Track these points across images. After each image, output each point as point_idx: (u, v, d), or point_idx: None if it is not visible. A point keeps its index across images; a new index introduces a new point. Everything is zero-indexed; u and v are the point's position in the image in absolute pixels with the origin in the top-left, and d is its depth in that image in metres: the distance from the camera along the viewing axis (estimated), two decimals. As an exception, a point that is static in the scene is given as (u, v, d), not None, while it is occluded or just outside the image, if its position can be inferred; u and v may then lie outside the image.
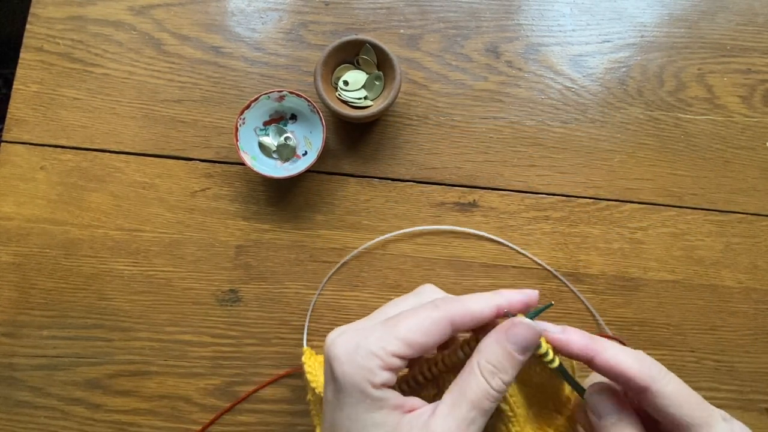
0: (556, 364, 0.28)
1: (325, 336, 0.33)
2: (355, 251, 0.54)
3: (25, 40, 0.56)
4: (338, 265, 0.54)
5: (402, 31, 0.57)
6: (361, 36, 0.52)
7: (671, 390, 0.26)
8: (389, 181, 0.55)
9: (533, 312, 0.30)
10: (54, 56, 0.56)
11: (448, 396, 0.27)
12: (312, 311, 0.53)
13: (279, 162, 0.54)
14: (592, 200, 0.55)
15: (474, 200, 0.55)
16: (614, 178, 0.56)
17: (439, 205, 0.55)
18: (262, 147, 0.54)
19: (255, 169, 0.51)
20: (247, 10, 0.57)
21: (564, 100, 0.56)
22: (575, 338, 0.28)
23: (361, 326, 0.28)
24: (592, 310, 0.54)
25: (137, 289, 0.53)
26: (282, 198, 0.55)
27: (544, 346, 0.28)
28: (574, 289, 0.54)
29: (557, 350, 0.28)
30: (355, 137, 0.56)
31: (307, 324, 0.53)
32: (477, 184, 0.55)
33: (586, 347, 0.27)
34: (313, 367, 0.42)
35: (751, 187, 0.56)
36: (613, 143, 0.56)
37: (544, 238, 0.55)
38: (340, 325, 0.30)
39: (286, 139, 0.54)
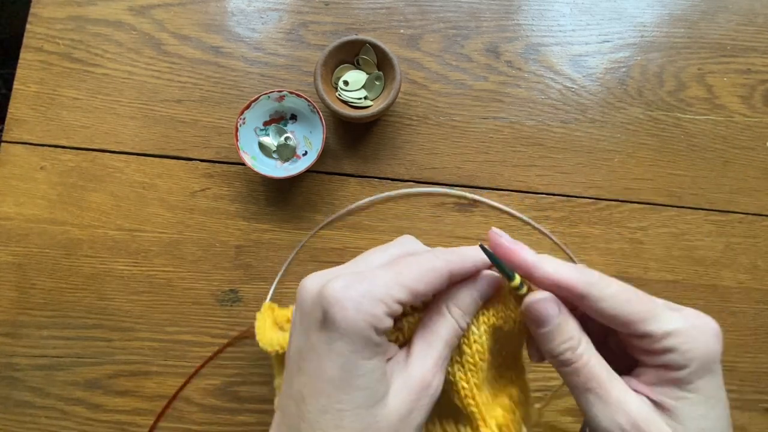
0: (523, 291, 0.29)
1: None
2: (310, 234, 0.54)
3: (25, 40, 0.56)
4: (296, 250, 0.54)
5: (402, 31, 0.57)
6: (361, 36, 0.52)
7: (611, 291, 0.26)
8: (389, 181, 0.55)
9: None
10: (54, 56, 0.56)
11: (420, 339, 0.28)
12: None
13: (279, 162, 0.54)
14: (592, 200, 0.55)
15: (474, 200, 0.55)
16: (614, 178, 0.56)
17: (439, 205, 0.55)
18: (262, 147, 0.54)
19: (255, 169, 0.51)
20: (247, 10, 0.57)
21: (564, 100, 0.56)
22: (521, 255, 0.28)
23: (354, 271, 0.27)
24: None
25: (137, 289, 0.53)
26: (282, 198, 0.55)
27: (517, 280, 0.29)
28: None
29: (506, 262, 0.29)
30: (355, 137, 0.56)
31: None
32: (477, 184, 0.55)
33: (526, 261, 0.28)
34: (266, 326, 0.43)
35: (751, 187, 0.56)
36: (613, 143, 0.56)
37: (544, 238, 0.55)
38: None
39: (286, 139, 0.54)
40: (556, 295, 0.28)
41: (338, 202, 0.55)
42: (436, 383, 0.27)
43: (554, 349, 0.27)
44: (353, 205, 0.54)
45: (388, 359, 0.28)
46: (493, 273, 0.30)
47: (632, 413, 0.25)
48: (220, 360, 0.53)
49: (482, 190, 0.55)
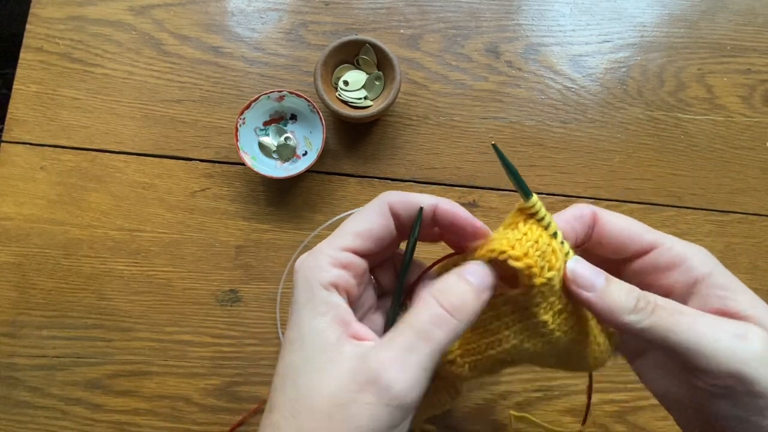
0: (541, 212, 0.26)
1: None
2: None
3: (25, 40, 0.56)
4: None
5: (402, 31, 0.57)
6: (361, 36, 0.52)
7: (617, 218, 0.28)
8: (389, 181, 0.55)
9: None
10: (54, 56, 0.56)
11: (403, 320, 0.25)
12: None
13: (279, 162, 0.54)
14: (592, 200, 0.55)
15: (474, 200, 0.55)
16: (614, 178, 0.56)
17: (439, 205, 0.55)
18: (262, 147, 0.54)
19: (255, 169, 0.51)
20: (247, 10, 0.57)
21: (564, 100, 0.56)
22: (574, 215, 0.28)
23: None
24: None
25: (137, 289, 0.53)
26: (282, 198, 0.55)
27: (534, 199, 0.26)
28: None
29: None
30: (355, 137, 0.56)
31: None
32: (477, 184, 0.55)
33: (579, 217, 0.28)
34: None
35: (751, 187, 0.56)
36: (613, 143, 0.56)
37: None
38: None
39: (286, 139, 0.54)
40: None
41: (338, 202, 0.55)
42: (401, 392, 0.23)
43: (625, 302, 0.25)
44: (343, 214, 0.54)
45: (353, 336, 0.25)
46: (481, 262, 0.26)
47: (745, 330, 0.24)
48: (220, 360, 0.53)
49: (482, 190, 0.55)
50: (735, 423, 0.24)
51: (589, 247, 0.29)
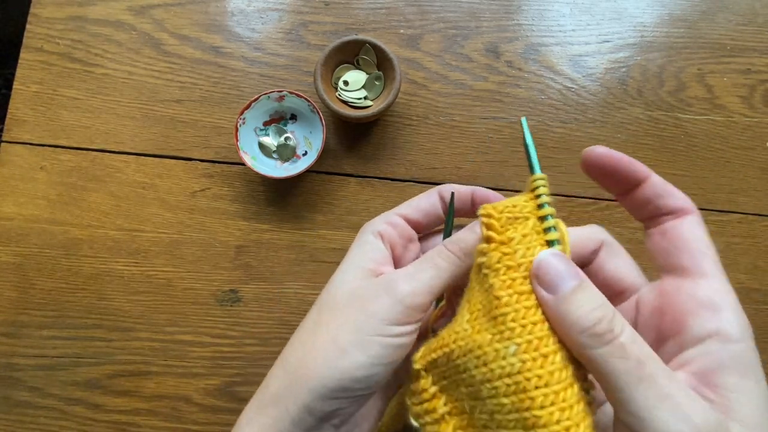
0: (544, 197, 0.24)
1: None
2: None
3: (25, 40, 0.56)
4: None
5: (402, 31, 0.57)
6: (361, 36, 0.52)
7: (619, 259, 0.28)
8: (389, 181, 0.55)
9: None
10: (54, 56, 0.56)
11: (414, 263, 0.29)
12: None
13: (279, 162, 0.54)
14: (592, 200, 0.55)
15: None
16: (614, 178, 0.56)
17: (439, 205, 0.55)
18: (262, 147, 0.54)
19: (255, 169, 0.51)
20: (247, 10, 0.57)
21: (564, 100, 0.56)
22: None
23: None
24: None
25: (137, 289, 0.53)
26: (282, 198, 0.55)
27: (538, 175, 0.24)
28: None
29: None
30: (355, 137, 0.56)
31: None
32: (477, 184, 0.55)
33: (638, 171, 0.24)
34: None
35: (751, 187, 0.56)
36: (613, 143, 0.56)
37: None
38: None
39: (286, 139, 0.54)
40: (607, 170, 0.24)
41: (338, 202, 0.55)
42: (401, 285, 0.27)
43: (583, 317, 0.20)
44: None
45: (383, 272, 0.30)
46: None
47: (698, 422, 0.19)
48: (220, 360, 0.53)
49: (482, 190, 0.55)
50: None
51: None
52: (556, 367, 0.21)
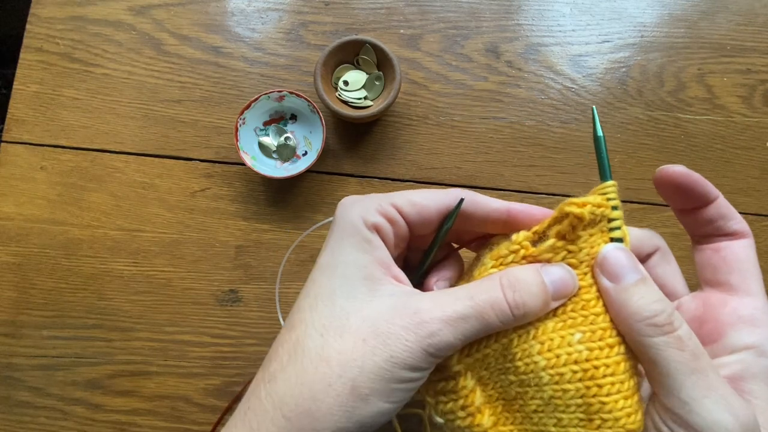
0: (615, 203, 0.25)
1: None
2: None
3: (25, 40, 0.56)
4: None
5: (402, 31, 0.57)
6: (361, 36, 0.52)
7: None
8: (389, 181, 0.55)
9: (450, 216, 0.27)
10: (54, 56, 0.56)
11: (454, 291, 0.25)
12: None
13: (279, 162, 0.54)
14: (592, 200, 0.55)
15: (474, 200, 0.55)
16: (614, 178, 0.56)
17: (439, 205, 0.55)
18: (262, 147, 0.54)
19: (255, 169, 0.51)
20: (247, 10, 0.57)
21: (564, 100, 0.56)
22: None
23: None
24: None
25: (137, 289, 0.53)
26: (282, 198, 0.55)
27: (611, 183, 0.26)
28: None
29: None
30: (355, 137, 0.56)
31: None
32: (477, 184, 0.55)
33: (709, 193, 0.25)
34: None
35: (751, 187, 0.56)
36: (613, 143, 0.56)
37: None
38: None
39: (286, 139, 0.54)
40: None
41: (338, 202, 0.55)
42: (437, 332, 0.23)
43: (645, 308, 0.22)
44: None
45: (393, 277, 0.26)
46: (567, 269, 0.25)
47: (741, 415, 0.21)
48: (220, 360, 0.53)
49: (482, 190, 0.55)
50: None
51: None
52: (621, 357, 0.23)
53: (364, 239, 0.25)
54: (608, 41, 0.57)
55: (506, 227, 0.27)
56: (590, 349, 0.23)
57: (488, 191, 0.55)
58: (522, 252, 0.25)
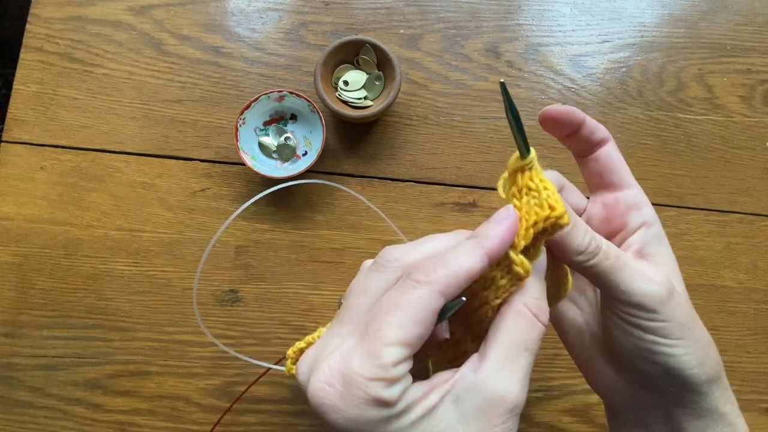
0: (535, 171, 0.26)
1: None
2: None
3: (25, 40, 0.56)
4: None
5: (402, 31, 0.57)
6: (361, 36, 0.52)
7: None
8: (389, 181, 0.55)
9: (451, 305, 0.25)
10: (54, 56, 0.56)
11: (493, 350, 0.23)
12: (312, 311, 0.53)
13: (279, 162, 0.54)
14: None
15: (474, 200, 0.55)
16: (614, 178, 0.56)
17: (439, 205, 0.55)
18: (262, 147, 0.54)
19: (255, 169, 0.51)
20: (247, 10, 0.57)
21: (564, 100, 0.56)
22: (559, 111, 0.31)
23: (331, 346, 0.23)
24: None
25: (137, 289, 0.53)
26: (282, 198, 0.55)
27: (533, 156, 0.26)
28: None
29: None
30: (355, 137, 0.56)
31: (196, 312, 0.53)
32: (477, 184, 0.55)
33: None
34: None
35: (751, 187, 0.56)
36: (613, 143, 0.56)
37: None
38: None
39: (286, 139, 0.54)
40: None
41: (338, 202, 0.55)
42: (522, 402, 0.23)
43: (580, 245, 0.27)
44: (253, 199, 0.54)
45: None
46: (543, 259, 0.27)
47: (659, 280, 0.27)
48: (220, 360, 0.53)
49: (482, 190, 0.55)
50: (630, 344, 0.28)
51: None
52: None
53: (398, 414, 0.22)
54: (608, 41, 0.57)
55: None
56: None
57: (488, 191, 0.55)
58: None
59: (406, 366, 0.22)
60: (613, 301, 0.28)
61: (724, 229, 0.56)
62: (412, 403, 0.22)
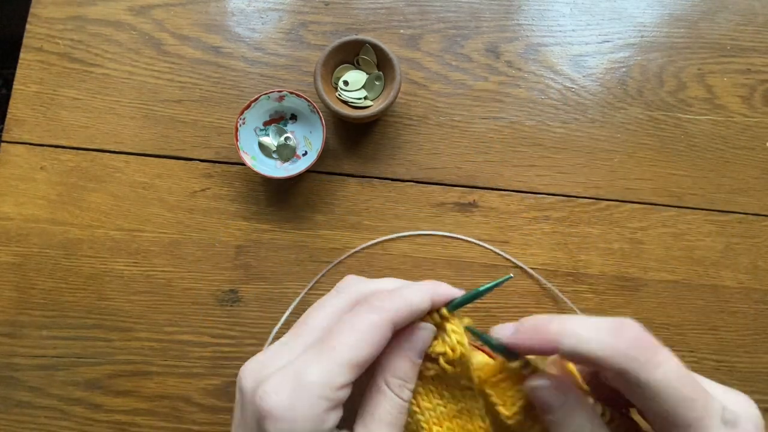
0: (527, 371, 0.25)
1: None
2: (350, 252, 0.54)
3: (25, 40, 0.56)
4: (330, 266, 0.54)
5: (402, 31, 0.57)
6: (361, 36, 0.52)
7: (660, 376, 0.21)
8: (389, 181, 0.55)
9: (484, 288, 0.27)
10: (54, 56, 0.56)
11: (360, 424, 0.24)
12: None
13: (279, 162, 0.54)
14: (592, 200, 0.55)
15: (474, 200, 0.55)
16: (614, 178, 0.56)
17: (439, 205, 0.55)
18: (262, 147, 0.54)
19: (255, 169, 0.51)
20: (247, 10, 0.57)
21: (564, 100, 0.56)
22: (525, 337, 0.24)
23: (283, 356, 0.25)
24: (572, 306, 0.54)
25: (137, 289, 0.53)
26: (282, 198, 0.55)
27: (441, 348, 0.26)
28: (558, 292, 0.54)
29: (520, 351, 0.25)
30: (355, 137, 0.56)
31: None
32: (477, 184, 0.55)
33: (541, 341, 0.23)
34: None
35: (751, 187, 0.56)
36: (613, 143, 0.56)
37: (544, 238, 0.55)
38: None
39: (286, 139, 0.54)
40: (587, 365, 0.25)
41: (338, 202, 0.55)
42: None
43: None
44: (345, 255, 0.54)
45: None
46: (428, 325, 0.26)
47: None
48: (220, 360, 0.53)
49: (482, 190, 0.55)
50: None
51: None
52: None
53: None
54: (608, 41, 0.57)
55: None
56: None
57: (488, 191, 0.55)
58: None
59: (346, 392, 0.23)
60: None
61: (724, 229, 0.56)
62: None
